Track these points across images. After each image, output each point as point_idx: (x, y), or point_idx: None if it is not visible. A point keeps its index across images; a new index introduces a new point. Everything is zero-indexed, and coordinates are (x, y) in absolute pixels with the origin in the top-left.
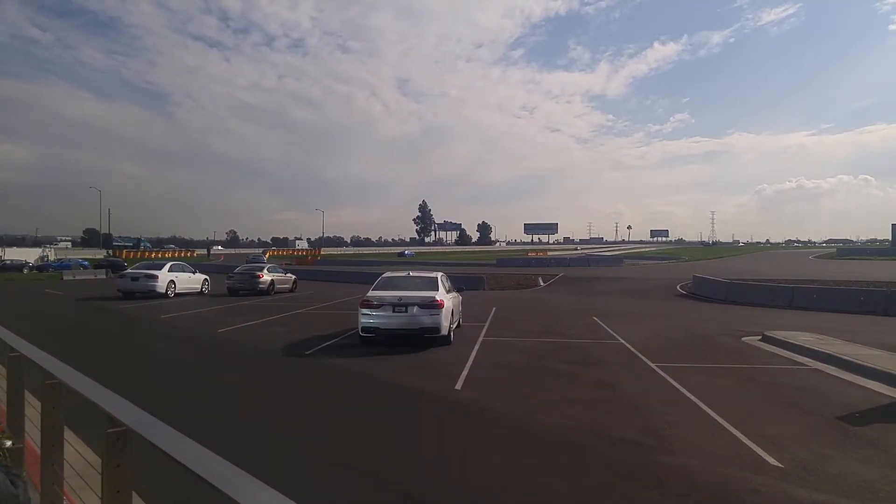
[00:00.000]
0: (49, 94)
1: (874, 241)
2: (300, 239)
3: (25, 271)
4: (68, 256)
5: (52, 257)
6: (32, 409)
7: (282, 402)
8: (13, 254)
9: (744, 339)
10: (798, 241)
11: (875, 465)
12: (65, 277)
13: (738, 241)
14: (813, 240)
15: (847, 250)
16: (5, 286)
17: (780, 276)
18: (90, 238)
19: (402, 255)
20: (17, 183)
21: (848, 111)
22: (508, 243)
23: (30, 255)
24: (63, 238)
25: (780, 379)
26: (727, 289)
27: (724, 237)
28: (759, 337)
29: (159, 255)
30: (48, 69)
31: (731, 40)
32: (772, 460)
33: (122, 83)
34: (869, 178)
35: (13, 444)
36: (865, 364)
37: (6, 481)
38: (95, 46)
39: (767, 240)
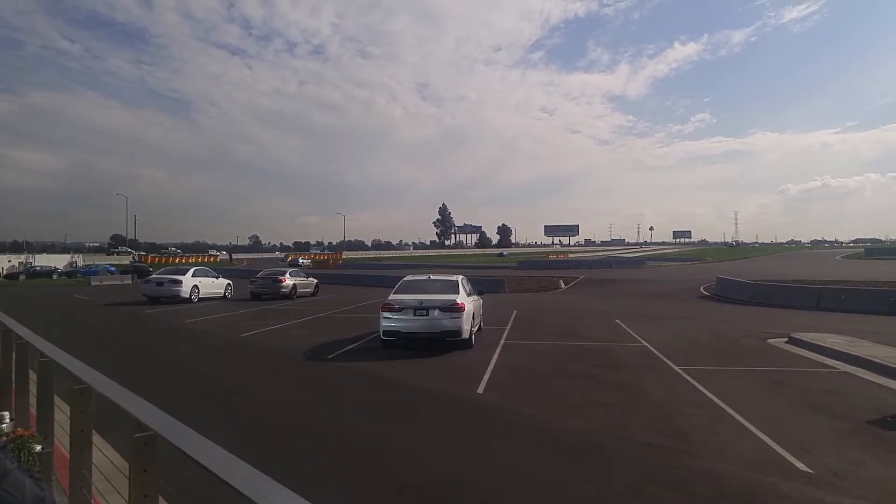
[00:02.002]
0: (78, 103)
1: None
2: (407, 245)
3: (55, 277)
4: (96, 262)
5: (80, 263)
6: (61, 413)
7: (304, 406)
8: (43, 260)
9: (769, 341)
10: (825, 241)
11: None
12: (92, 283)
13: (749, 242)
14: (840, 239)
15: (875, 250)
16: (36, 291)
17: (806, 277)
18: (117, 244)
19: (501, 255)
20: (46, 190)
21: (874, 108)
22: (566, 247)
23: (59, 262)
24: (90, 243)
25: (808, 382)
26: (752, 290)
27: (748, 237)
28: (786, 339)
29: (183, 261)
30: (77, 79)
31: (753, 39)
32: (801, 465)
33: (148, 91)
34: None
35: (43, 448)
36: None
37: (33, 484)
38: (123, 56)
39: (792, 240)
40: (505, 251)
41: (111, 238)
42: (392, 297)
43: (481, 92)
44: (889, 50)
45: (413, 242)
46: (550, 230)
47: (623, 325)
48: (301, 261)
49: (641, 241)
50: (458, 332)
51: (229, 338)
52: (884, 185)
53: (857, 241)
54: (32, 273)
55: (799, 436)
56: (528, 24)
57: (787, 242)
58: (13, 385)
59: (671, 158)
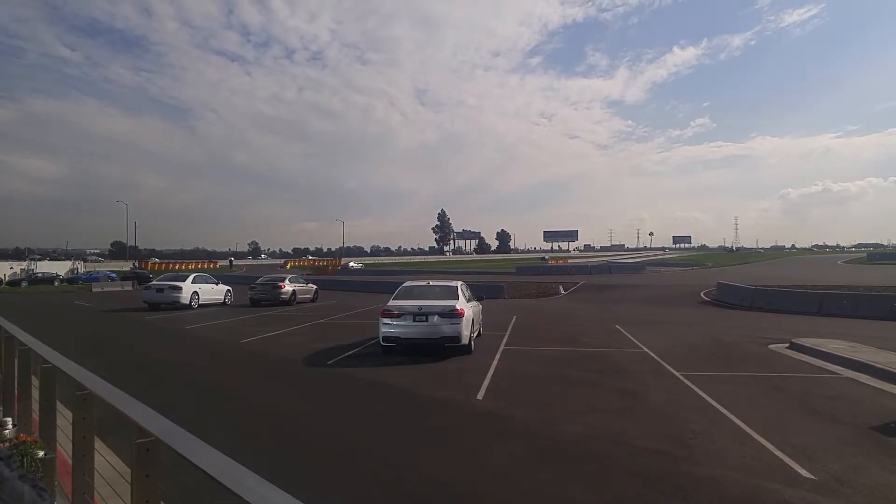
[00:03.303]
0: (78, 110)
1: None
2: (460, 252)
3: (56, 283)
4: (97, 269)
5: (81, 270)
6: (64, 419)
7: (304, 412)
8: (45, 266)
9: (771, 346)
10: (826, 246)
11: None
12: (94, 289)
13: (740, 247)
14: (841, 244)
15: (878, 255)
16: (38, 298)
17: (807, 282)
18: (117, 250)
19: (543, 259)
20: (47, 197)
21: (875, 112)
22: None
23: (60, 268)
24: (91, 250)
25: (809, 388)
26: (752, 295)
27: (748, 242)
28: (787, 344)
29: (183, 267)
30: (77, 86)
31: (753, 43)
32: (804, 472)
33: (147, 98)
34: None
35: (45, 453)
36: None
37: (32, 493)
38: (122, 64)
39: (793, 245)
40: (546, 256)
41: (112, 245)
42: (391, 302)
43: (480, 97)
44: (891, 53)
45: (412, 248)
46: (550, 236)
47: (623, 331)
48: (351, 264)
49: (641, 246)
50: (458, 338)
51: (229, 344)
52: (886, 189)
53: (858, 245)
54: (34, 280)
55: (801, 442)
56: (527, 30)
57: (790, 247)
58: (16, 391)
59: (671, 163)
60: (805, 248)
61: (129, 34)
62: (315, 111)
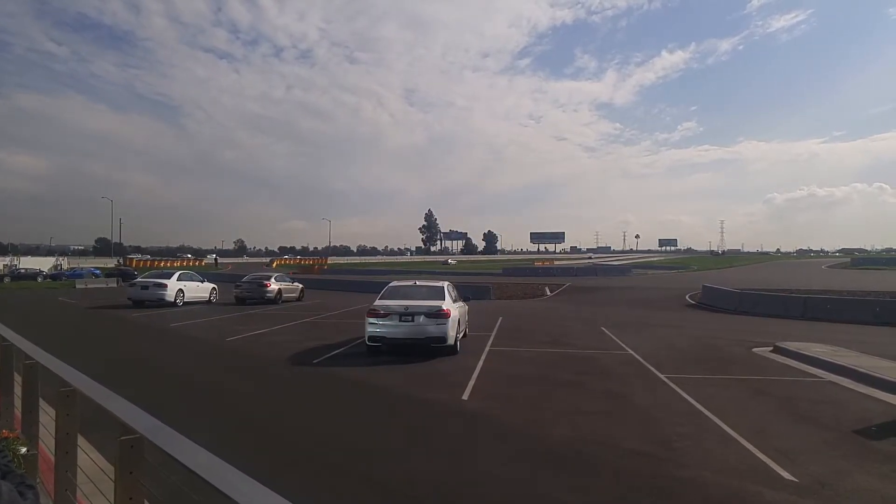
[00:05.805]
0: (65, 106)
1: (890, 250)
2: (447, 252)
3: (40, 280)
4: (81, 265)
5: (65, 266)
6: (47, 415)
7: (289, 411)
8: (28, 262)
9: (755, 350)
10: (811, 250)
11: (893, 480)
12: (77, 286)
13: (722, 250)
14: (826, 249)
15: (862, 259)
16: (20, 294)
17: (792, 286)
18: (102, 247)
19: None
20: (32, 193)
21: (861, 118)
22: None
23: (44, 264)
24: (75, 246)
25: (793, 391)
26: (738, 299)
27: (734, 246)
28: (771, 348)
29: (168, 265)
30: (64, 82)
31: (740, 48)
32: (786, 474)
33: (135, 95)
34: (884, 185)
35: (28, 450)
36: (882, 376)
37: (13, 491)
38: (110, 60)
39: (778, 249)
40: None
41: (96, 241)
42: (377, 302)
43: (469, 98)
44: (877, 59)
45: (399, 248)
46: (536, 237)
47: (608, 333)
48: (449, 261)
49: (627, 248)
50: (444, 339)
51: (214, 342)
52: (870, 194)
53: (843, 250)
54: (17, 276)
55: (784, 445)
56: (517, 31)
57: (775, 252)
58: None
59: (658, 167)
60: (787, 253)
61: (117, 29)
62: (304, 110)
